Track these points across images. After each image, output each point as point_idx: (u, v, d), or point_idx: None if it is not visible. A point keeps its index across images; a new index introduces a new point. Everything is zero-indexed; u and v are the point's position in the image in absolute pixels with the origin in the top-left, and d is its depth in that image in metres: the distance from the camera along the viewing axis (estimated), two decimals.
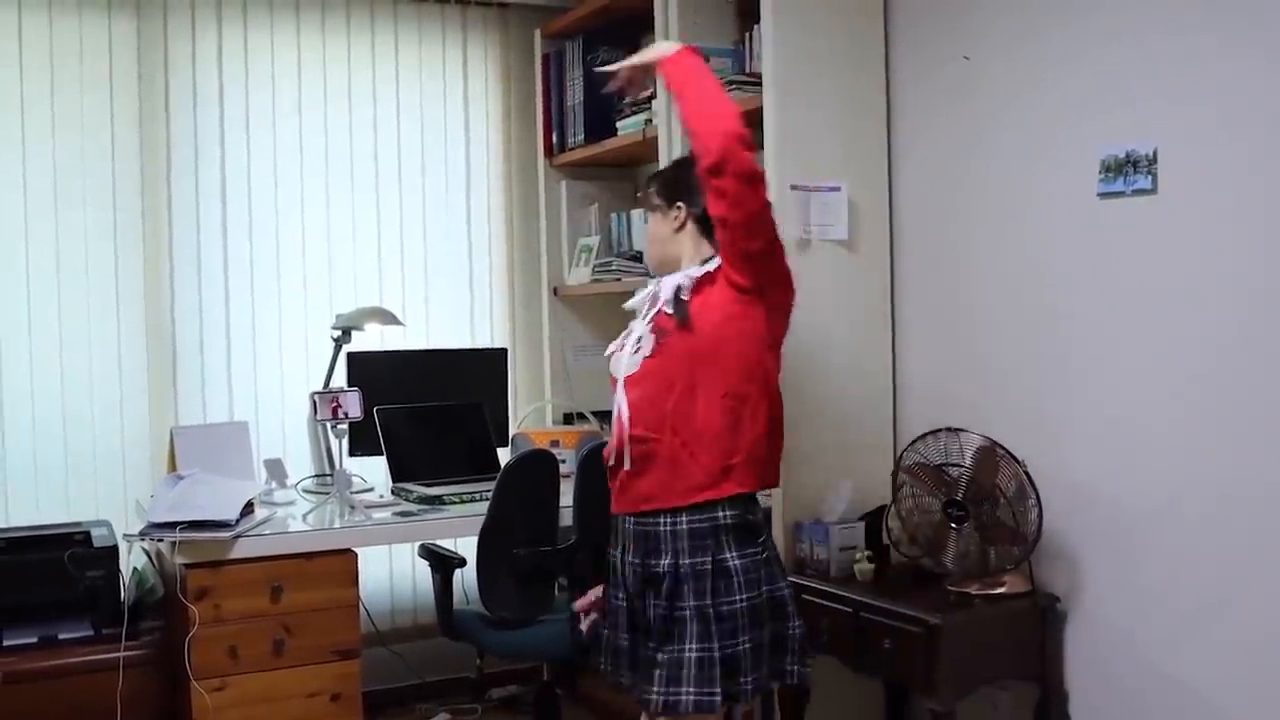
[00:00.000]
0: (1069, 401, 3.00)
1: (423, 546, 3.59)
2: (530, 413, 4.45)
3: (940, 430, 3.02)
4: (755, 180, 2.45)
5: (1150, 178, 2.76)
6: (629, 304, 2.79)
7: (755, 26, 3.46)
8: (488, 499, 3.33)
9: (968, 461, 2.96)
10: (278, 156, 4.20)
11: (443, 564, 3.45)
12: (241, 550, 3.12)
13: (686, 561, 2.51)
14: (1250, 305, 2.59)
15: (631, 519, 2.61)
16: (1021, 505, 2.90)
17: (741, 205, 2.44)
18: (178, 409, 4.05)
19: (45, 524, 3.61)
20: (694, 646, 2.45)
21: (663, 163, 3.72)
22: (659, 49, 2.63)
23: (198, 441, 3.54)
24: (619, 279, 4.10)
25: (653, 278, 2.80)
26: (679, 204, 2.69)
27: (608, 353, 2.76)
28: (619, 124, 4.08)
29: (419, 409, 3.91)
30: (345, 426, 3.55)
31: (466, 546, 3.36)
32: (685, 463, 2.52)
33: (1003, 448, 2.92)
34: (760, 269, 2.52)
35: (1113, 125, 2.85)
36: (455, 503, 3.53)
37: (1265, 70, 2.53)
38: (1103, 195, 2.88)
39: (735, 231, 2.47)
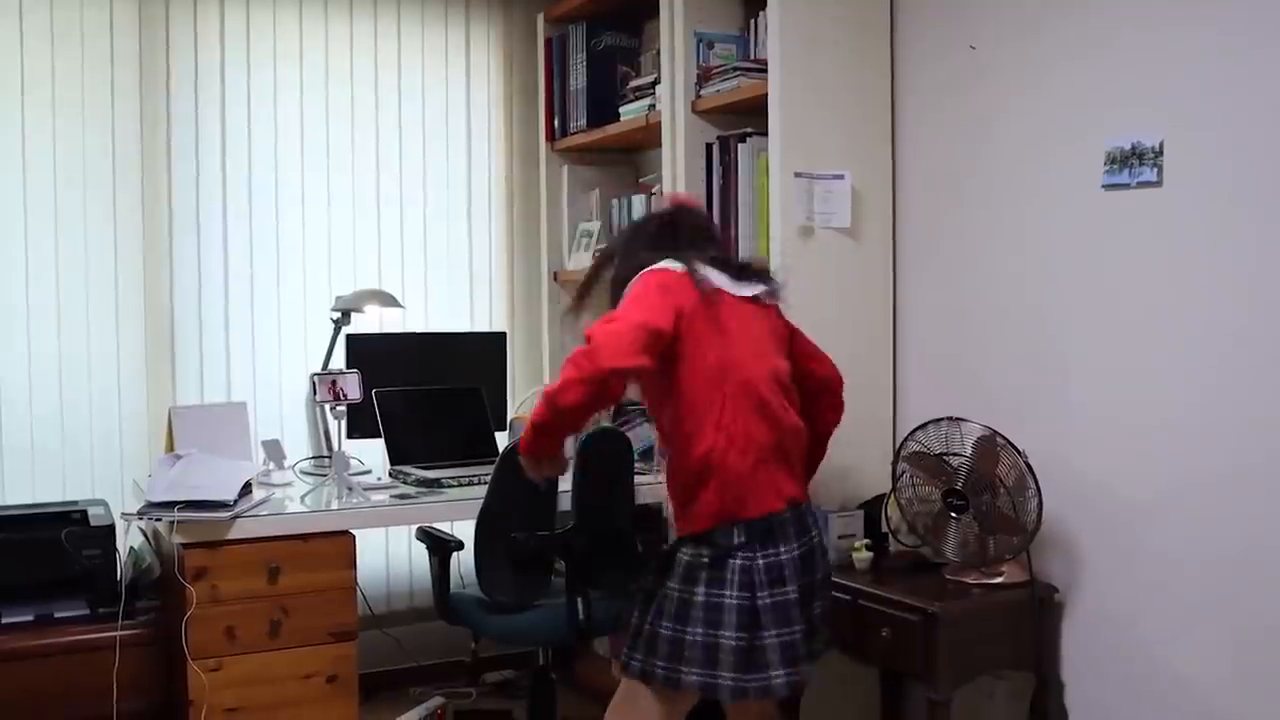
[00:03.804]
0: (1070, 392, 3.00)
1: (420, 529, 3.59)
2: (529, 397, 4.44)
3: (941, 419, 3.02)
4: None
5: (1156, 170, 2.75)
6: None
7: (761, 13, 3.45)
8: (486, 483, 3.32)
9: (968, 451, 2.96)
10: (278, 138, 4.19)
11: (440, 547, 3.45)
12: (239, 531, 3.11)
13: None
14: (1253, 298, 2.59)
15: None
16: (1021, 495, 2.90)
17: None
18: (175, 389, 4.03)
19: (42, 502, 3.61)
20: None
21: (665, 148, 3.73)
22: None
23: (196, 421, 3.53)
24: None
25: None
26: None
27: None
28: (622, 109, 4.07)
29: (417, 392, 3.90)
30: (344, 408, 3.54)
31: (464, 530, 3.36)
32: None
33: (1003, 437, 2.92)
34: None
35: (1119, 117, 2.84)
36: (453, 486, 3.53)
37: (1273, 64, 2.53)
38: (1107, 187, 2.87)
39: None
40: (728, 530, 2.53)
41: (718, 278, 2.67)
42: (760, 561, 2.53)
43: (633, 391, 2.69)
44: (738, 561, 2.52)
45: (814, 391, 2.83)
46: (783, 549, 2.56)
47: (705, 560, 2.54)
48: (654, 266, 2.66)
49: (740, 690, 2.50)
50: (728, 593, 2.52)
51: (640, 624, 2.62)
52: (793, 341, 2.81)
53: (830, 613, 2.73)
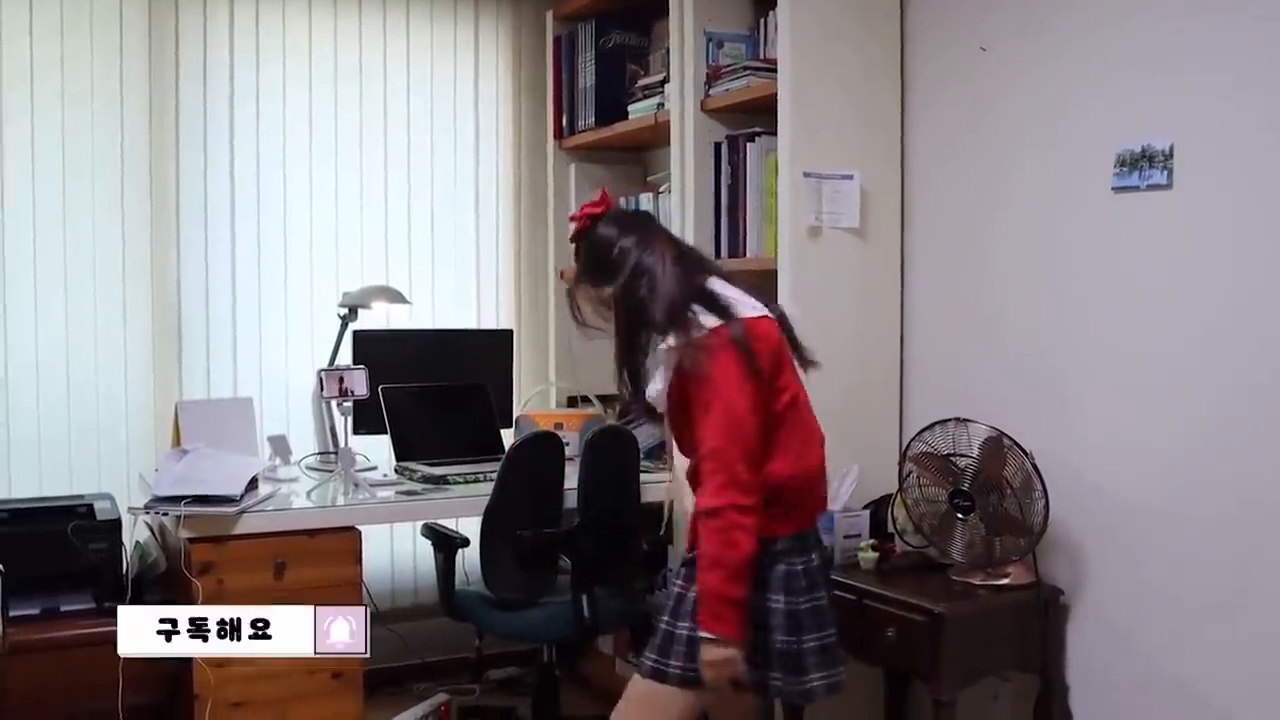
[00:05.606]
0: (1078, 394, 3.00)
1: (425, 526, 3.59)
2: (534, 395, 4.44)
3: (948, 420, 3.01)
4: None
5: (1166, 173, 2.75)
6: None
7: (770, 13, 3.45)
8: (492, 480, 3.33)
9: (975, 452, 2.96)
10: (287, 132, 4.18)
11: (446, 544, 3.45)
12: (246, 526, 3.12)
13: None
14: (1262, 302, 2.58)
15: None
16: (1028, 497, 2.90)
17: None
18: (182, 383, 4.04)
19: (48, 496, 3.61)
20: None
21: (674, 147, 3.72)
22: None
23: (202, 416, 3.54)
24: None
25: None
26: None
27: None
28: (630, 108, 4.07)
29: (423, 389, 3.90)
30: (350, 404, 3.54)
31: (469, 527, 3.36)
32: None
33: (1010, 439, 2.92)
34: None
35: (1129, 119, 2.84)
36: (459, 483, 3.53)
37: None
38: (1117, 189, 2.87)
39: None
40: (771, 539, 2.51)
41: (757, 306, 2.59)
42: (799, 567, 2.54)
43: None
44: (782, 567, 2.53)
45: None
46: (813, 557, 2.59)
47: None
48: (723, 323, 2.47)
49: (784, 692, 2.56)
50: (772, 596, 2.53)
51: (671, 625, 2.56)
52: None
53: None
